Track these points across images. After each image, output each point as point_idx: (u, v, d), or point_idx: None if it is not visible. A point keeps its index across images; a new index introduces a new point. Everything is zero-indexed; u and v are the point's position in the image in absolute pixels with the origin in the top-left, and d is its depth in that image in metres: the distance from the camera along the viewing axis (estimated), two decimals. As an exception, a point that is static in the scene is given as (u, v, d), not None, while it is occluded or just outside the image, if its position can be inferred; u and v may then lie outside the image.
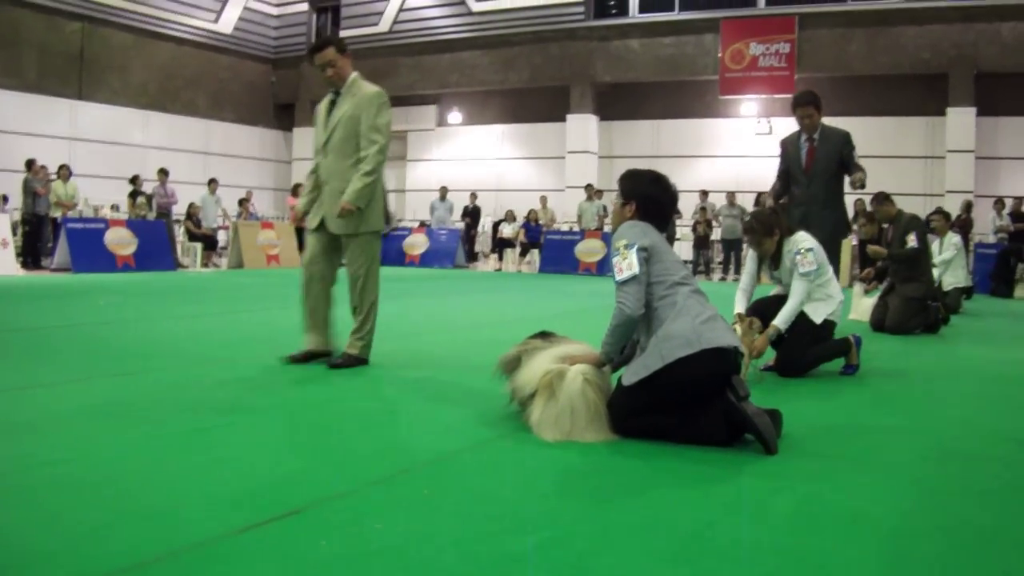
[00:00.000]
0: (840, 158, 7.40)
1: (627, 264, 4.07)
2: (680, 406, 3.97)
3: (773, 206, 6.88)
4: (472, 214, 24.68)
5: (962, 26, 21.76)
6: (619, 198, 4.46)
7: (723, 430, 3.88)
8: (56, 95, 24.73)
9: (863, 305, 10.17)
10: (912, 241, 9.40)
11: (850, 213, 9.58)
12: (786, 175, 7.69)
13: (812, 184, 7.44)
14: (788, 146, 7.68)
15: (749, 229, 6.50)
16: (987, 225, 20.03)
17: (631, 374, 4.03)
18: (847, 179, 7.44)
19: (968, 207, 19.56)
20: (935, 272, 11.34)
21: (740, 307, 6.32)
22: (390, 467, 3.44)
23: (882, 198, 10.09)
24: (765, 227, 6.32)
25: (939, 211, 13.80)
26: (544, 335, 4.53)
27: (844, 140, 7.46)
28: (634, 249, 4.09)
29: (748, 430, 3.84)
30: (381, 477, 3.30)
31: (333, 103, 5.99)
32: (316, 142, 6.10)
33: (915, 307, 9.29)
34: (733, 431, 3.90)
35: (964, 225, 18.45)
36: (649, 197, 4.39)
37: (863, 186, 7.27)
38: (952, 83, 21.98)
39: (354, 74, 6.04)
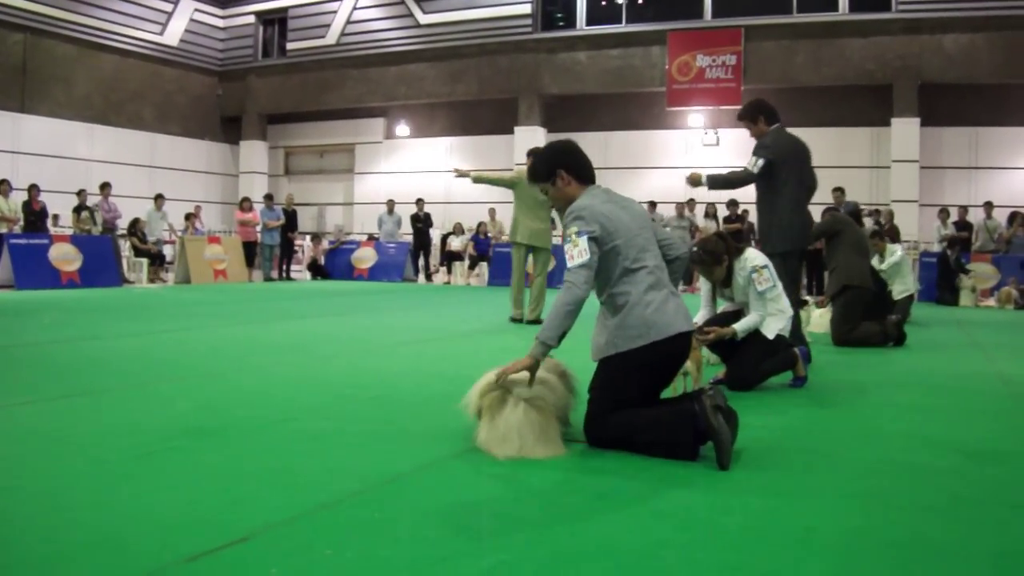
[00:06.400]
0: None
1: (577, 252, 4.13)
2: (648, 394, 4.22)
3: (718, 230, 6.80)
4: (423, 221, 23.75)
5: (906, 38, 22.13)
6: (547, 183, 4.47)
7: (690, 441, 3.93)
8: (-2, 108, 24.36)
9: (818, 318, 10.07)
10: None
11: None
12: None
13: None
14: None
15: (698, 261, 6.33)
16: (932, 234, 20.29)
17: (598, 351, 4.27)
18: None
19: (890, 215, 19.52)
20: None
21: (698, 318, 6.36)
22: (340, 490, 3.39)
23: None
24: (714, 256, 6.26)
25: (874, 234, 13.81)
26: None
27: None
28: (584, 237, 4.14)
29: (710, 439, 3.87)
30: (331, 500, 3.26)
31: None
32: None
33: (852, 305, 9.22)
34: (697, 437, 3.93)
35: (890, 234, 18.48)
36: (570, 158, 4.49)
37: (693, 184, 7.28)
38: (896, 94, 22.34)
39: None
